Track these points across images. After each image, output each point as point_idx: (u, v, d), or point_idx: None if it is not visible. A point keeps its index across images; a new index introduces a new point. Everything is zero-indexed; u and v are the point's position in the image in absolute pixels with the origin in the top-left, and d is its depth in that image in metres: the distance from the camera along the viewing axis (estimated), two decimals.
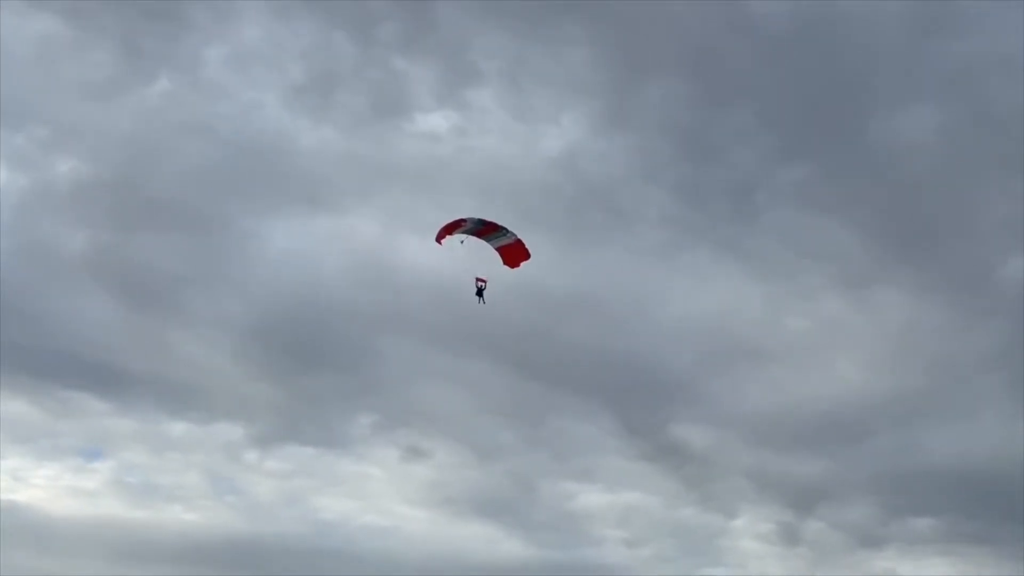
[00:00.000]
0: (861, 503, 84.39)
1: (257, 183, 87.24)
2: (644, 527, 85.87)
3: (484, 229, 43.52)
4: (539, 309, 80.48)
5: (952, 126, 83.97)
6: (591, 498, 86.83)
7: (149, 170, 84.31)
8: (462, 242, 43.17)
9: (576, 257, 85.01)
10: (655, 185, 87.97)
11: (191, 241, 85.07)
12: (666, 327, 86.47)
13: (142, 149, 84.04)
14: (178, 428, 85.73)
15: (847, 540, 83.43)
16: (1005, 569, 79.91)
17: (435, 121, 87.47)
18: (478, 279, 44.74)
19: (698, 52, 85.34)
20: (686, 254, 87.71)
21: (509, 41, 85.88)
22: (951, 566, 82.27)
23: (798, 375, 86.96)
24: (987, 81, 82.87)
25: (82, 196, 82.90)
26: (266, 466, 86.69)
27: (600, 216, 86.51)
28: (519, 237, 43.20)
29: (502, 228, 43.27)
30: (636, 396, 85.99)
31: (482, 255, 43.64)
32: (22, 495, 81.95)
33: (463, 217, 42.88)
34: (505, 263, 44.48)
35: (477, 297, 44.63)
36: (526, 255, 44.02)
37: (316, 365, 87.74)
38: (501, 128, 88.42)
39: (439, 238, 42.70)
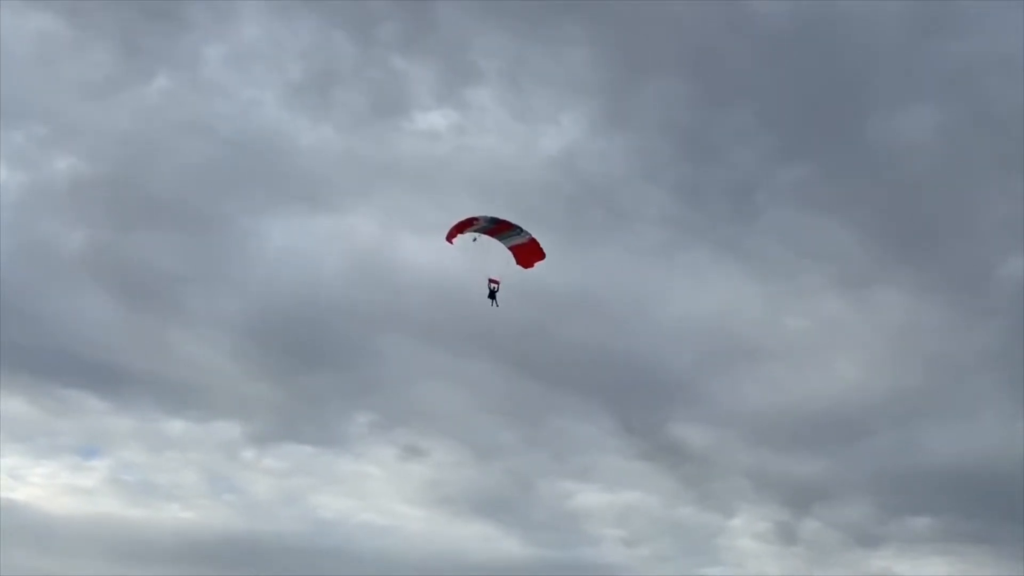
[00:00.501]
0: (859, 502, 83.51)
1: (256, 182, 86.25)
2: (642, 526, 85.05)
3: (496, 228, 41.13)
4: (538, 308, 78.58)
5: (952, 126, 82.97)
6: (589, 497, 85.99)
7: (148, 169, 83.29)
8: (474, 240, 40.83)
9: (575, 257, 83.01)
10: (655, 185, 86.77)
11: (190, 240, 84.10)
12: (665, 327, 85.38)
13: (141, 148, 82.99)
14: (176, 427, 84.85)
15: (844, 539, 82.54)
16: (1003, 569, 79.10)
17: (434, 120, 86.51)
18: (491, 280, 42.22)
19: (698, 52, 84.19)
20: (686, 254, 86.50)
21: (509, 41, 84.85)
22: (949, 565, 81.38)
23: (797, 375, 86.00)
24: (987, 81, 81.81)
25: (81, 194, 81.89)
26: (264, 465, 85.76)
27: (599, 216, 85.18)
28: (533, 236, 40.80)
29: (515, 227, 40.87)
30: (635, 395, 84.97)
31: (493, 255, 41.27)
32: (20, 493, 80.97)
33: (475, 215, 40.63)
34: (518, 263, 42.06)
35: (490, 300, 42.24)
36: (541, 255, 41.65)
37: (314, 364, 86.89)
38: (500, 127, 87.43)
39: (450, 237, 40.44)
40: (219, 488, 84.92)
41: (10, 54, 78.00)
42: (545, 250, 42.02)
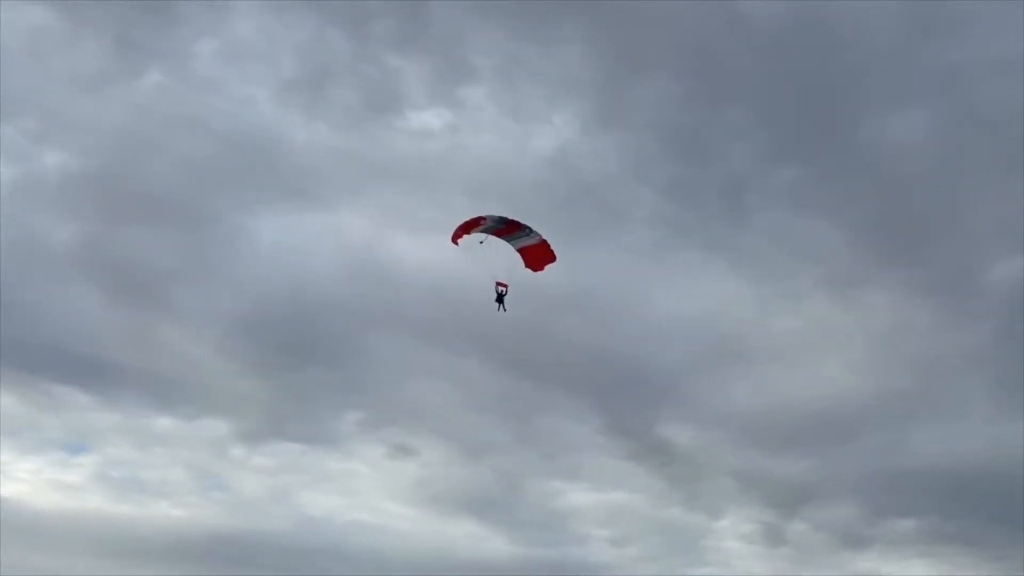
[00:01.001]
0: (845, 504, 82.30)
1: (248, 178, 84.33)
2: (630, 526, 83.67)
3: (505, 228, 38.52)
4: (529, 307, 76.55)
5: (943, 128, 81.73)
6: (577, 497, 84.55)
7: (139, 164, 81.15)
8: (481, 242, 38.22)
9: (567, 255, 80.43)
10: (647, 184, 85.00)
11: (181, 235, 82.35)
12: (656, 326, 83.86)
13: (133, 143, 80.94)
14: (164, 423, 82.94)
15: (830, 541, 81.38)
16: (986, 570, 78.23)
17: (428, 118, 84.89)
18: (499, 283, 39.65)
19: (691, 52, 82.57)
20: (677, 253, 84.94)
21: (503, 39, 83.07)
22: (932, 567, 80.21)
23: (786, 375, 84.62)
24: (979, 84, 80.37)
25: (71, 189, 79.93)
26: (253, 462, 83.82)
27: (592, 215, 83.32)
28: (544, 237, 38.24)
29: (525, 227, 38.20)
30: (624, 395, 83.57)
31: (499, 256, 38.82)
32: (5, 489, 78.45)
33: (482, 215, 37.93)
34: (527, 265, 39.51)
35: (497, 304, 39.81)
36: (552, 257, 39.05)
37: (304, 361, 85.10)
38: (494, 126, 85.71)
39: (455, 237, 37.80)
40: (207, 485, 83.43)
41: (1, 47, 76.39)
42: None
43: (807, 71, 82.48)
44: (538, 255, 39.66)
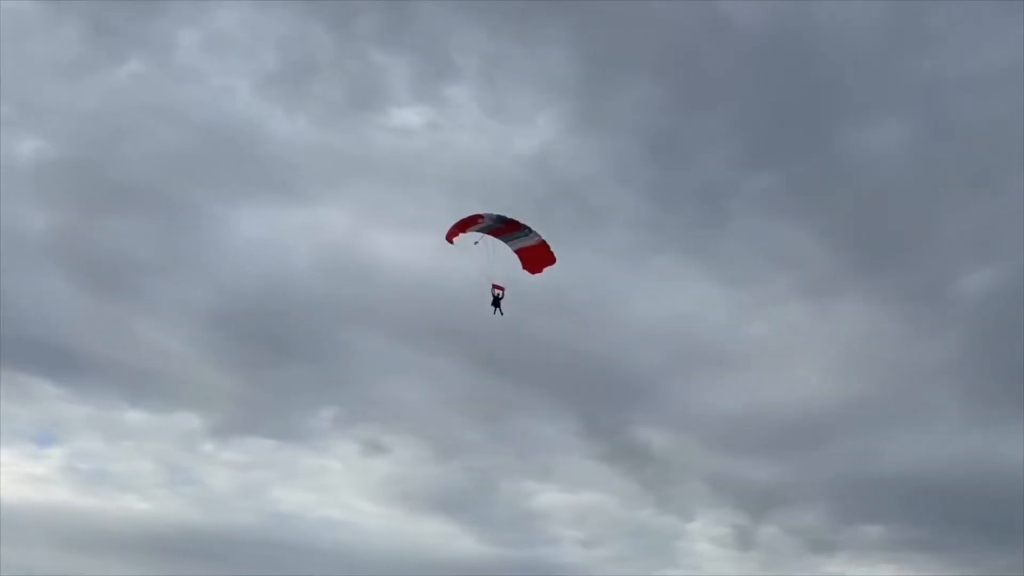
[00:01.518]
0: (814, 509, 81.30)
1: (227, 170, 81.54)
2: (601, 527, 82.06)
3: (503, 228, 36.07)
4: (506, 307, 75.70)
5: (917, 141, 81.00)
6: (550, 497, 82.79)
7: (116, 153, 78.43)
8: (476, 243, 35.76)
9: None
10: (627, 187, 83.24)
11: (157, 226, 79.47)
12: (632, 329, 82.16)
13: (109, 131, 78.00)
14: (135, 416, 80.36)
15: (799, 545, 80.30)
16: None
17: (410, 116, 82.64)
18: (495, 286, 37.22)
19: (674, 56, 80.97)
20: (655, 257, 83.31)
21: (487, 38, 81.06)
22: (899, 572, 79.65)
23: (758, 380, 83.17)
24: (953, 98, 79.80)
25: (46, 177, 76.76)
26: (223, 457, 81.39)
27: (571, 216, 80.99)
28: (543, 238, 35.91)
29: (524, 227, 35.77)
30: (599, 397, 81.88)
31: (496, 257, 36.29)
32: None
33: (479, 213, 35.38)
34: (525, 267, 37.08)
35: (493, 307, 37.39)
36: (551, 259, 36.71)
37: (279, 357, 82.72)
38: (476, 125, 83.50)
39: (450, 236, 35.29)
40: (176, 479, 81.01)
41: None
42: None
43: (787, 79, 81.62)
44: (537, 256, 37.39)
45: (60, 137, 78.00)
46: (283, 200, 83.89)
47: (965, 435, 78.24)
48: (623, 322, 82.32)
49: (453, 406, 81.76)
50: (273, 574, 77.06)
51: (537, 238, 36.83)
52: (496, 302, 38.20)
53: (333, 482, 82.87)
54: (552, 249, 36.86)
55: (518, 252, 37.41)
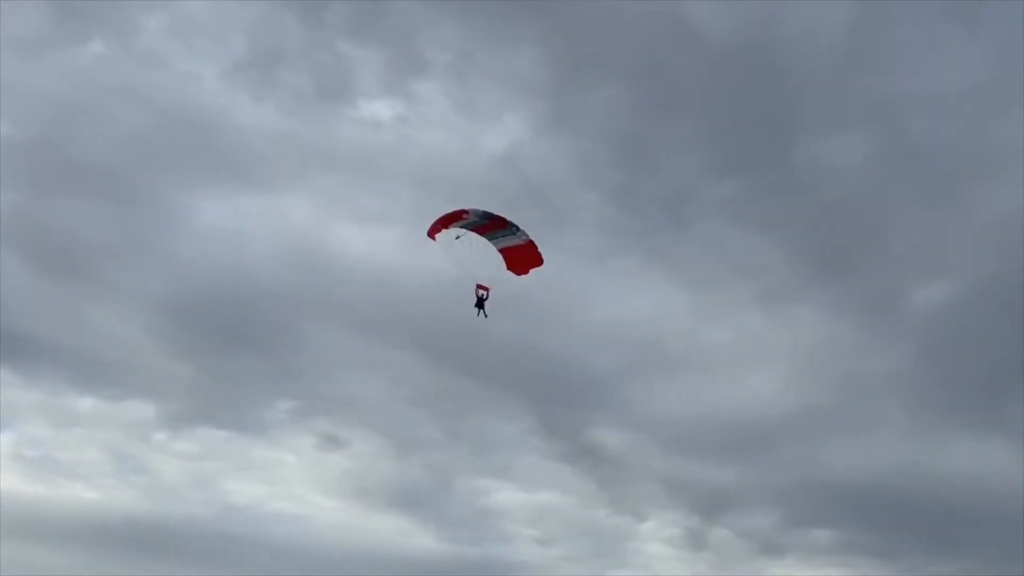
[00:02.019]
0: (765, 512, 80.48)
1: (190, 156, 78.57)
2: (556, 527, 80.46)
3: (488, 225, 33.62)
4: (468, 304, 74.21)
5: (873, 156, 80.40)
6: (506, 496, 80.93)
7: (76, 134, 74.71)
8: (457, 238, 33.28)
9: None
10: (593, 189, 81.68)
11: (116, 210, 76.12)
12: (592, 330, 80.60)
13: (70, 112, 74.45)
14: (86, 403, 77.11)
15: (749, 547, 79.51)
16: None
17: (378, 109, 79.98)
18: (479, 287, 34.81)
19: (644, 63, 79.52)
20: (618, 259, 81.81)
21: (459, 35, 79.06)
22: (845, 575, 79.55)
23: (714, 385, 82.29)
24: (908, 116, 79.57)
25: (3, 156, 72.48)
26: (176, 447, 78.41)
27: (537, 216, 79.23)
28: (531, 238, 33.51)
29: (511, 225, 33.34)
30: (558, 397, 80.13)
31: (479, 256, 33.92)
32: None
33: (464, 208, 32.69)
34: (509, 268, 34.54)
35: (477, 309, 34.99)
36: (538, 260, 34.30)
37: (236, 346, 79.86)
38: (444, 122, 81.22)
39: (432, 232, 32.80)
40: (127, 469, 77.70)
41: None
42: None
43: (752, 92, 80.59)
44: (523, 257, 34.87)
45: (19, 116, 74.61)
46: (246, 188, 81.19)
47: (912, 444, 78.31)
48: (584, 323, 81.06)
49: (412, 402, 79.90)
50: (224, 567, 74.37)
51: (524, 237, 34.50)
52: (480, 303, 35.79)
53: (288, 475, 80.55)
54: (540, 251, 34.43)
55: (502, 251, 35.09)
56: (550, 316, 79.84)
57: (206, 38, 79.95)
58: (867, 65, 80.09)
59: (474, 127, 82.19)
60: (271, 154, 79.75)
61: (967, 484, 74.57)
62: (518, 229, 34.53)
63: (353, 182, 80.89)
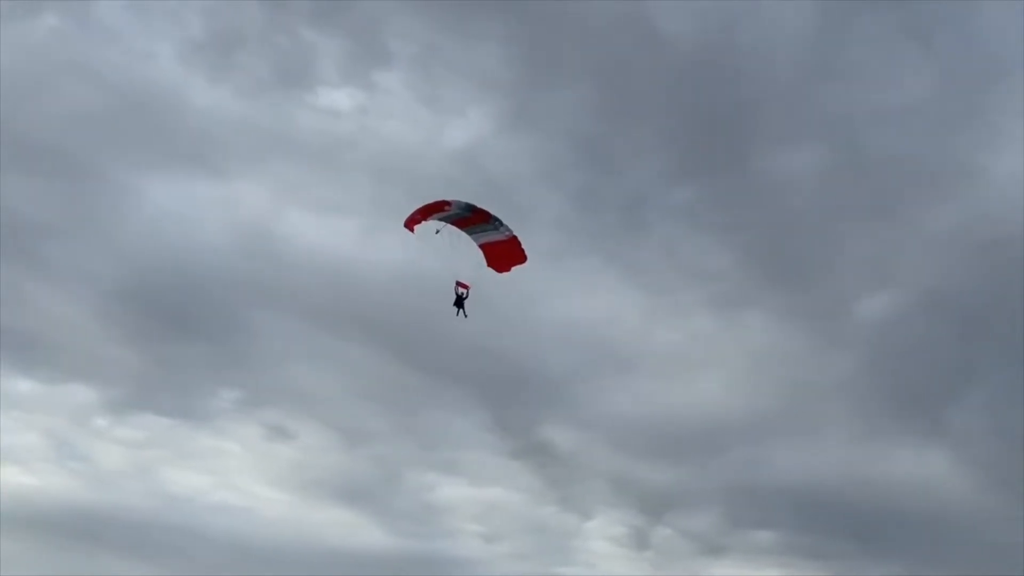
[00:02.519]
0: (707, 513, 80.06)
1: (141, 136, 74.44)
2: (503, 523, 78.89)
3: (471, 218, 31.54)
4: (421, 297, 72.17)
5: (827, 167, 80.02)
6: (454, 491, 78.99)
7: (23, 109, 70.19)
8: (437, 231, 31.07)
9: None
10: (554, 189, 79.90)
11: (61, 188, 72.29)
12: (547, 329, 79.01)
13: (18, 86, 69.83)
14: (23, 385, 73.23)
15: (692, 547, 78.91)
16: None
17: (338, 97, 77.00)
18: (459, 284, 32.82)
19: (607, 65, 77.93)
20: (575, 260, 79.95)
21: (424, 27, 76.31)
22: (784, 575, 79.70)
23: (665, 386, 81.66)
24: (861, 130, 79.60)
25: None
26: (116, 433, 74.73)
27: (496, 213, 78.36)
28: (514, 234, 31.55)
29: (494, 219, 31.42)
30: (510, 393, 78.63)
31: (458, 250, 31.72)
32: None
33: (447, 199, 30.43)
34: (490, 264, 32.56)
35: (456, 308, 32.90)
36: (521, 257, 32.36)
37: (183, 333, 76.56)
38: (406, 114, 78.41)
39: (411, 223, 30.39)
40: (65, 454, 74.00)
41: None
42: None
43: (712, 100, 79.59)
44: (505, 253, 32.73)
45: None
46: (198, 172, 77.43)
47: (854, 449, 78.23)
48: (539, 322, 79.31)
49: (362, 395, 77.84)
50: (164, 559, 71.43)
51: (507, 232, 32.47)
52: (459, 302, 33.45)
53: (231, 465, 77.36)
54: (523, 247, 32.36)
55: (483, 247, 32.93)
56: (505, 313, 78.25)
57: (164, 16, 76.38)
58: (825, 78, 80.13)
59: (436, 120, 79.82)
60: (226, 138, 76.34)
61: (905, 489, 75.36)
62: (501, 224, 32.55)
63: (310, 171, 78.10)
